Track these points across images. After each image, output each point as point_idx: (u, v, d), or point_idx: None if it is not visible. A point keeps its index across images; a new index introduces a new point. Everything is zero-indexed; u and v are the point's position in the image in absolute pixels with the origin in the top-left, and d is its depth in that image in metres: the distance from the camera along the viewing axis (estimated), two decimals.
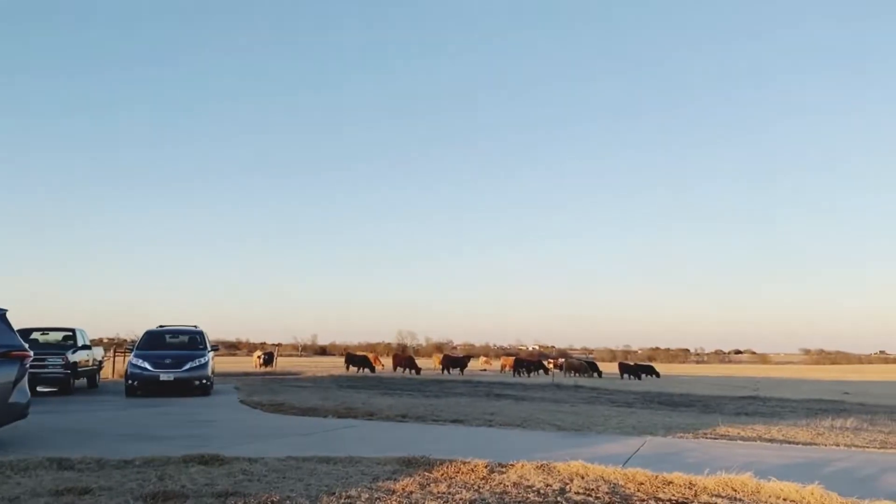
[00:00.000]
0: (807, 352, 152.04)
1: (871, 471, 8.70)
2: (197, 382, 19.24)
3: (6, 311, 9.48)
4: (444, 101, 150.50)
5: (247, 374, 33.58)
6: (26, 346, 9.71)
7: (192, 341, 21.26)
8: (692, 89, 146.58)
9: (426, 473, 7.18)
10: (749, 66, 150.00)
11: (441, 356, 51.72)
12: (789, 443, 11.41)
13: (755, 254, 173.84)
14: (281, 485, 6.46)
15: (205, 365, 19.69)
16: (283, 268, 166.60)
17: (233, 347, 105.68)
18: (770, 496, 6.54)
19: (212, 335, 23.51)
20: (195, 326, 22.31)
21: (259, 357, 46.49)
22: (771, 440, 11.67)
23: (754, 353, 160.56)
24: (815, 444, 11.34)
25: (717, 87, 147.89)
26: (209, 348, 21.07)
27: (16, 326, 9.70)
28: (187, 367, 19.28)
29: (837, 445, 11.15)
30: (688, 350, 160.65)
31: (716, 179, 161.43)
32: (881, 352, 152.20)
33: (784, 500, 6.43)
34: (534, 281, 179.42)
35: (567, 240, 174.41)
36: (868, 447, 11.05)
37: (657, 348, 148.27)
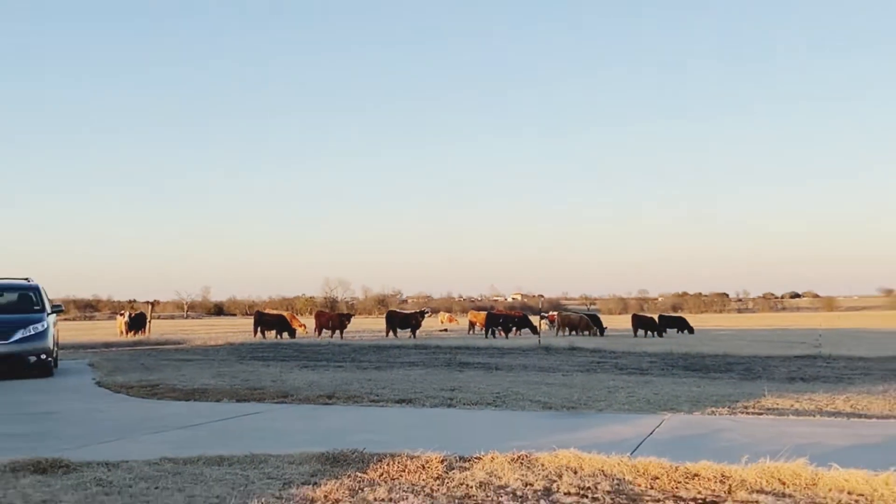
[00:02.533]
0: (888, 293, 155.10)
1: None
2: (32, 359, 18.73)
3: None
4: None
5: (108, 346, 33.29)
6: None
7: (24, 300, 20.59)
8: None
9: (359, 474, 7.16)
10: None
11: (387, 313, 51.15)
12: (860, 416, 11.67)
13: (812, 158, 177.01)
14: (152, 498, 6.41)
15: (43, 334, 19.05)
16: (159, 199, 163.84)
17: (89, 308, 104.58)
18: (831, 489, 6.68)
19: (54, 291, 23.05)
20: (27, 280, 21.73)
21: (125, 320, 46.06)
22: (835, 413, 11.91)
23: (817, 296, 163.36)
24: (893, 416, 11.64)
25: None
26: (48, 310, 20.47)
27: None
28: (17, 337, 18.62)
29: None
30: (726, 295, 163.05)
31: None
32: None
33: (850, 493, 6.58)
34: (512, 209, 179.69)
35: (553, 141, 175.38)
36: None
37: (685, 294, 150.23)
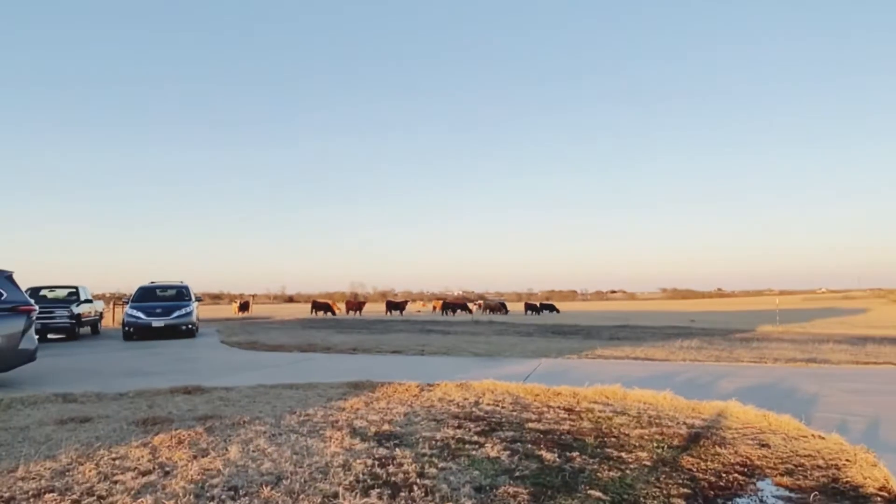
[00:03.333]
0: (664, 290, 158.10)
1: (708, 379, 9.13)
2: (184, 328, 18.70)
3: (12, 272, 8.98)
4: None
5: (227, 320, 32.75)
6: (31, 301, 9.22)
7: (179, 294, 20.57)
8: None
9: (370, 394, 7.16)
10: None
11: (385, 301, 51.62)
12: (650, 360, 11.85)
13: (618, 215, 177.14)
14: (251, 407, 6.34)
15: (190, 313, 19.14)
16: (259, 233, 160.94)
17: (217, 298, 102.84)
18: (634, 401, 6.79)
19: (198, 289, 22.80)
20: (181, 282, 21.58)
21: (237, 305, 45.42)
22: (636, 358, 12.09)
23: (625, 292, 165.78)
24: (669, 360, 11.81)
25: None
26: (194, 299, 20.47)
27: (32, 284, 9.18)
28: (175, 315, 18.75)
29: (685, 361, 11.65)
30: (575, 291, 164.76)
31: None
32: (718, 289, 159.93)
33: (644, 403, 6.68)
34: (460, 239, 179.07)
35: (479, 208, 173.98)
36: (706, 361, 11.57)
37: (553, 290, 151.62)
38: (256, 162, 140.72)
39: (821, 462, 4.52)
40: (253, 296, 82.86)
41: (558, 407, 6.44)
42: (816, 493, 3.87)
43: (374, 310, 50.50)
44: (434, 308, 54.56)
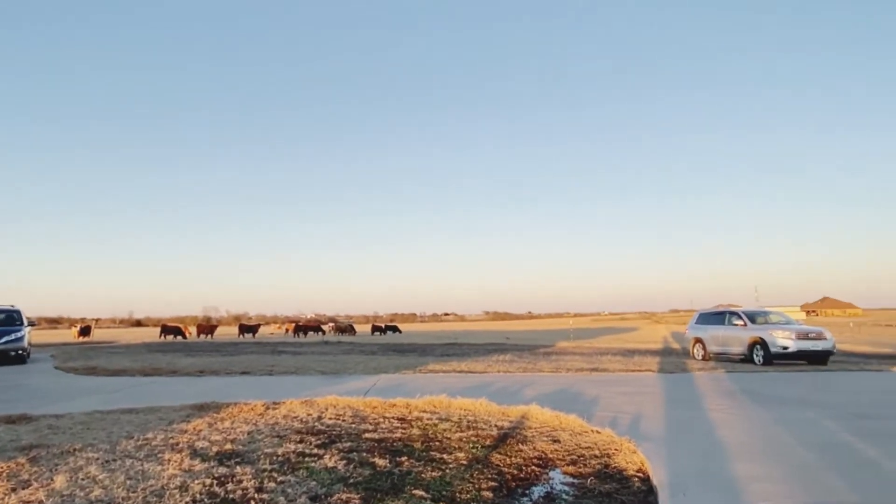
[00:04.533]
0: (487, 312, 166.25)
1: (516, 387, 9.71)
2: (13, 353, 15.95)
3: None
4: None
5: (66, 345, 28.49)
6: None
7: (9, 318, 17.41)
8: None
9: (214, 414, 6.61)
10: None
11: (238, 324, 48.15)
12: (472, 372, 12.32)
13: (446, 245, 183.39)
14: (84, 435, 5.54)
15: (21, 338, 16.34)
16: (105, 256, 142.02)
17: (55, 322, 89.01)
18: (457, 408, 7.00)
19: (33, 313, 19.64)
20: (11, 305, 18.36)
21: (77, 329, 39.68)
22: (461, 371, 12.51)
23: (456, 314, 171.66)
24: (487, 372, 12.37)
25: None
26: (26, 323, 17.50)
27: None
28: (3, 340, 15.96)
29: (499, 372, 12.28)
30: (416, 314, 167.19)
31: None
32: (529, 311, 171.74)
33: (465, 410, 6.92)
34: (313, 265, 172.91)
35: (333, 240, 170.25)
36: (516, 372, 12.31)
37: (396, 313, 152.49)
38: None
39: (597, 452, 5.00)
40: (96, 320, 72.88)
41: (393, 417, 6.45)
42: (592, 477, 4.28)
43: (228, 333, 47.02)
44: (287, 330, 52.07)
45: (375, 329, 50.78)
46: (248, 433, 5.58)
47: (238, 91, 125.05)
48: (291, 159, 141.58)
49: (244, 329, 43.57)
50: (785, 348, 13.89)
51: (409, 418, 6.40)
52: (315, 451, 4.88)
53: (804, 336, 14.08)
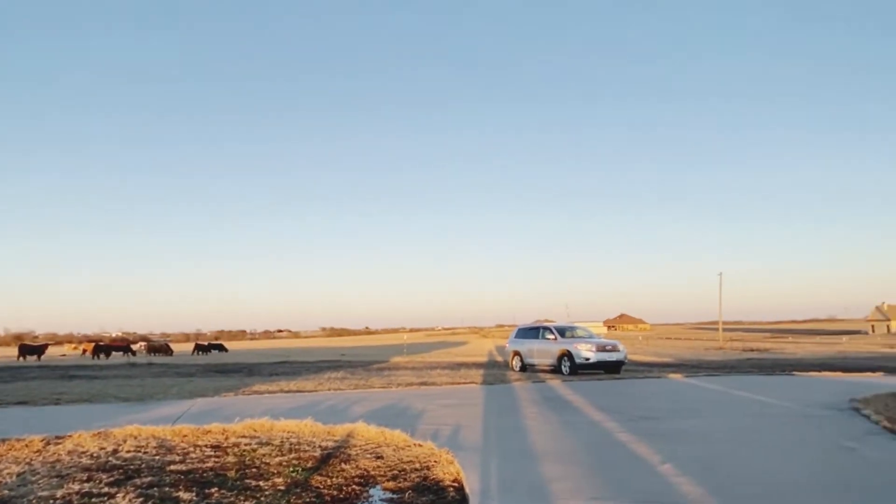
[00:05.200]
0: (323, 329, 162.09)
1: (346, 405, 9.57)
2: None
3: None
4: None
5: None
6: None
7: None
8: None
9: None
10: None
11: (19, 345, 40.54)
12: (301, 392, 11.87)
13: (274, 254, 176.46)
14: None
15: None
16: None
17: None
18: (280, 431, 6.67)
19: None
20: None
21: None
22: (289, 391, 11.97)
23: (291, 331, 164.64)
24: (317, 390, 12.01)
25: None
26: None
27: None
28: None
29: (330, 390, 12.00)
30: (245, 331, 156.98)
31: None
32: (366, 327, 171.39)
33: (288, 432, 6.62)
34: (111, 280, 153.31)
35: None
36: (347, 389, 12.13)
37: (223, 330, 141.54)
38: None
39: (417, 465, 5.12)
40: None
41: (206, 445, 5.94)
42: (411, 491, 4.36)
43: (5, 355, 39.49)
44: (84, 351, 45.31)
45: (198, 348, 46.79)
46: (19, 475, 4.72)
47: None
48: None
49: (26, 350, 36.75)
50: (587, 359, 15.65)
51: (225, 445, 5.95)
52: (105, 489, 4.28)
53: (602, 348, 16.01)
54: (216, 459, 5.32)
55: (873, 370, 17.51)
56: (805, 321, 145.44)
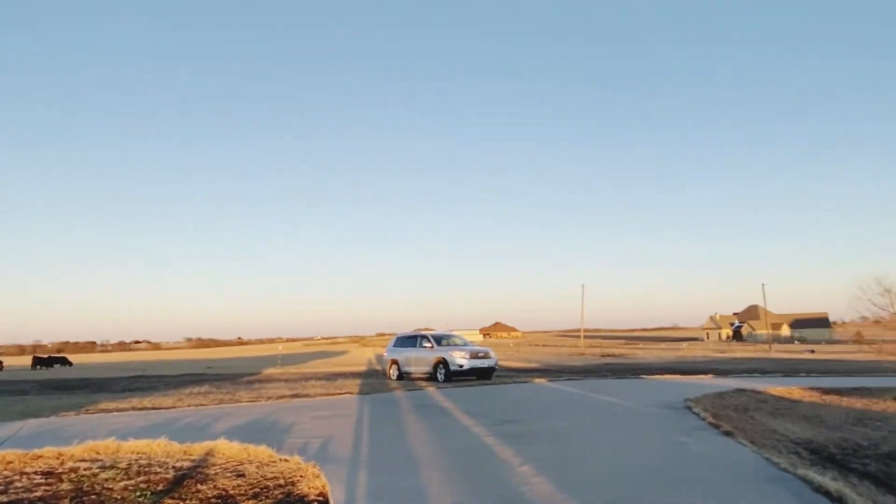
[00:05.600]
0: (189, 339, 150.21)
1: (207, 421, 8.94)
2: None
3: None
4: None
5: None
6: None
7: None
8: None
9: None
10: None
11: None
12: (156, 409, 10.86)
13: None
14: None
15: None
16: None
17: None
18: (128, 452, 6.07)
19: None
20: None
21: None
22: (143, 409, 10.90)
23: (150, 342, 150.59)
24: (176, 407, 11.06)
25: None
26: None
27: None
28: None
29: (190, 406, 11.12)
30: (95, 342, 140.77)
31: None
32: (239, 337, 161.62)
33: (138, 453, 6.05)
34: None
35: None
36: (210, 405, 11.31)
37: (67, 342, 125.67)
38: None
39: (282, 481, 4.92)
40: None
41: (35, 472, 5.23)
42: None
43: None
44: None
45: (38, 362, 41.13)
46: None
47: None
48: None
49: None
50: (461, 366, 16.10)
51: (60, 471, 5.28)
52: None
53: (476, 355, 16.58)
54: (47, 488, 4.71)
55: (705, 372, 19.94)
56: (654, 329, 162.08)
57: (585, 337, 65.42)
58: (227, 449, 6.14)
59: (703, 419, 8.13)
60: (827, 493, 4.23)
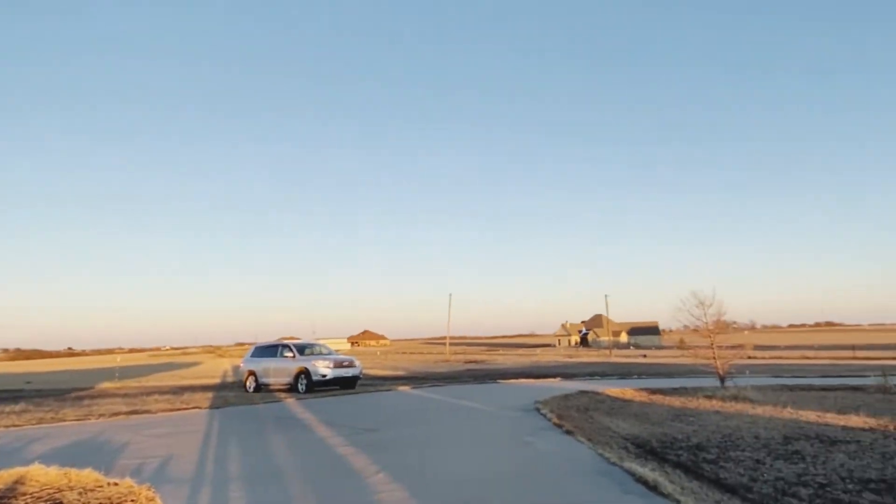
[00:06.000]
0: (6, 351, 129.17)
1: (20, 444, 7.73)
2: None
3: None
4: None
5: None
6: None
7: None
8: None
9: None
10: None
11: None
12: None
13: None
14: None
15: None
16: None
17: None
18: None
19: None
20: None
21: None
22: None
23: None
24: None
25: None
26: None
27: None
28: None
29: (1, 428, 9.55)
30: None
31: None
32: (69, 348, 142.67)
33: None
34: None
35: None
36: (26, 425, 9.80)
37: None
38: None
39: None
40: None
41: None
42: None
43: None
44: None
45: None
46: None
47: None
48: None
49: None
50: (324, 376, 15.67)
51: None
52: None
53: (340, 364, 16.25)
54: None
55: (555, 376, 21.48)
56: (514, 336, 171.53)
57: (451, 344, 67.21)
58: (41, 475, 5.35)
59: (550, 420, 8.74)
60: (645, 482, 4.76)
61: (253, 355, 17.94)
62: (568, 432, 7.53)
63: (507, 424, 8.68)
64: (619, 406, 10.71)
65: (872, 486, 4.76)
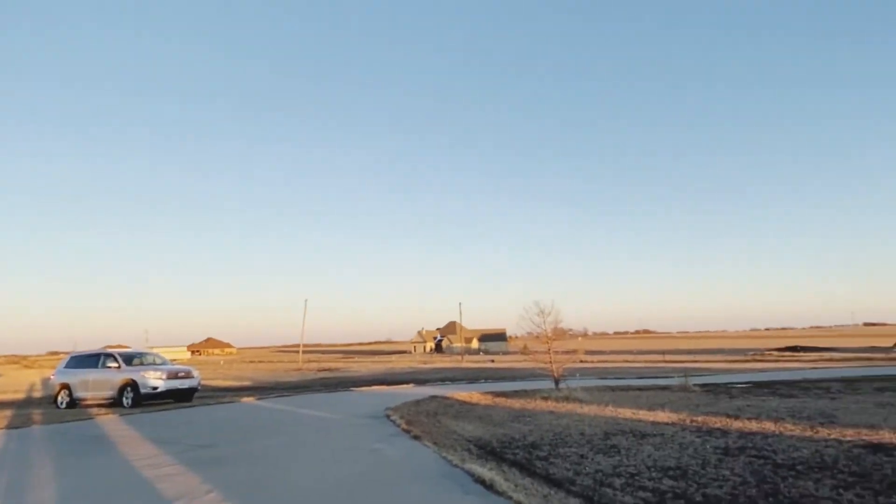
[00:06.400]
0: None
1: None
2: None
3: None
4: None
5: None
6: None
7: None
8: None
9: None
10: None
11: None
12: None
13: None
14: None
15: None
16: None
17: None
18: None
19: None
20: None
21: None
22: None
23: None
24: None
25: None
26: None
27: None
28: None
29: None
30: None
31: None
32: None
33: None
34: None
35: None
36: None
37: None
38: None
39: None
40: None
41: None
42: None
43: None
44: None
45: None
46: None
47: None
48: None
49: None
50: (155, 388, 14.15)
51: None
52: None
53: (174, 375, 14.78)
54: None
55: (408, 382, 21.72)
56: (371, 342, 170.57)
57: (305, 352, 64.83)
58: None
59: (399, 426, 8.77)
60: (483, 482, 4.95)
61: (68, 366, 15.64)
62: (415, 437, 7.60)
63: (355, 433, 8.53)
64: (465, 409, 11.10)
65: (671, 472, 5.45)
